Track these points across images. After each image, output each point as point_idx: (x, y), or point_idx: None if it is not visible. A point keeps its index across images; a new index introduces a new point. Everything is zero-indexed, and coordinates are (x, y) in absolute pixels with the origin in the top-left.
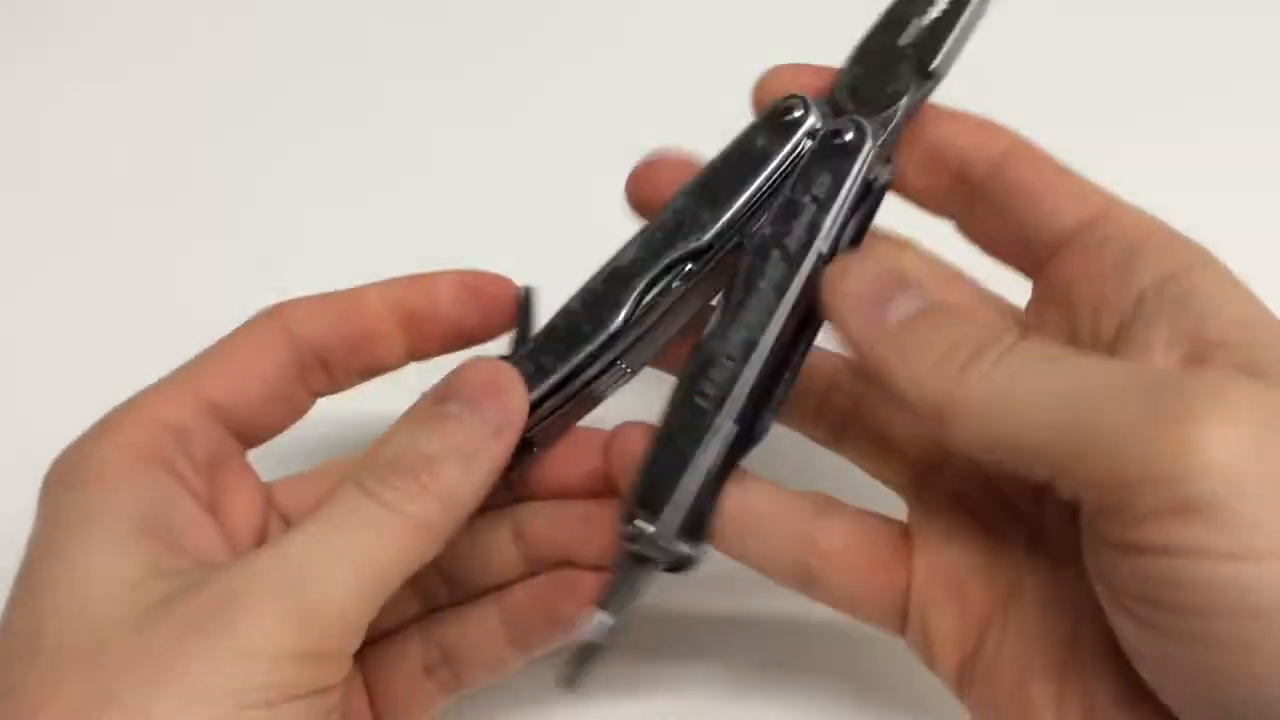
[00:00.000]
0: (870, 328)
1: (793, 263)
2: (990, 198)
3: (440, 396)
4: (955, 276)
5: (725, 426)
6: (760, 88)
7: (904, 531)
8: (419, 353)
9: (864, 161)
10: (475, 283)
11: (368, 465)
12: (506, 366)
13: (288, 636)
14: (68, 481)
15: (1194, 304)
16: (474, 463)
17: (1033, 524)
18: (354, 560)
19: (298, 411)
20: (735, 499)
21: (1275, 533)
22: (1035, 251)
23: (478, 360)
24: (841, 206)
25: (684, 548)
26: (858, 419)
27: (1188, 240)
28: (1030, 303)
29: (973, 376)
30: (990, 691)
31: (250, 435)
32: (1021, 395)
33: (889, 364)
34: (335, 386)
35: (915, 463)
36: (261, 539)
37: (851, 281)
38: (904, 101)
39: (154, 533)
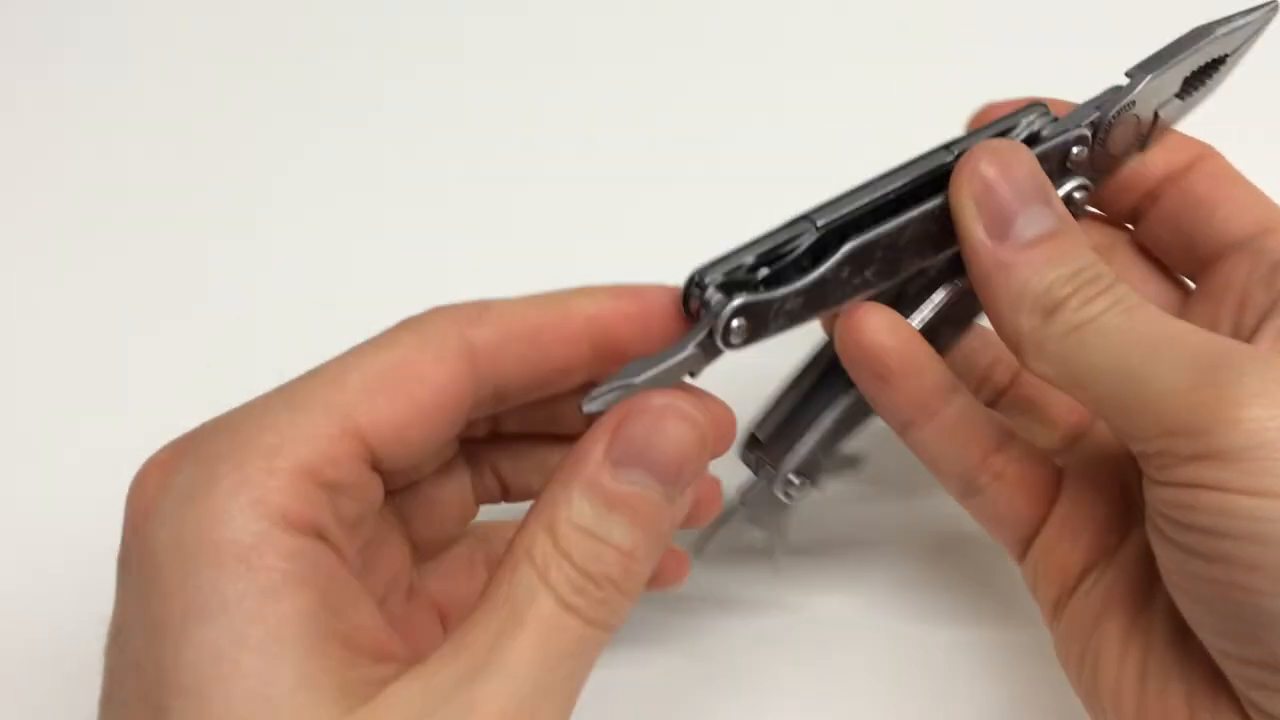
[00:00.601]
0: (995, 232)
1: (943, 147)
2: (1168, 206)
3: (620, 458)
4: (1152, 276)
5: (806, 231)
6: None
7: (1058, 476)
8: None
9: (1046, 116)
10: (661, 304)
11: (559, 565)
12: (692, 412)
13: None
14: (206, 558)
15: None
16: (664, 543)
17: None
18: (566, 691)
19: (447, 454)
20: (952, 410)
21: None
22: (1201, 256)
23: (658, 406)
24: (1007, 132)
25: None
26: (1015, 389)
27: None
28: (1186, 298)
29: (1060, 317)
30: (1073, 623)
31: (398, 476)
32: (1092, 346)
33: (995, 281)
34: (498, 411)
35: (1065, 428)
36: (407, 599)
37: (998, 167)
38: (1096, 100)
39: (334, 637)
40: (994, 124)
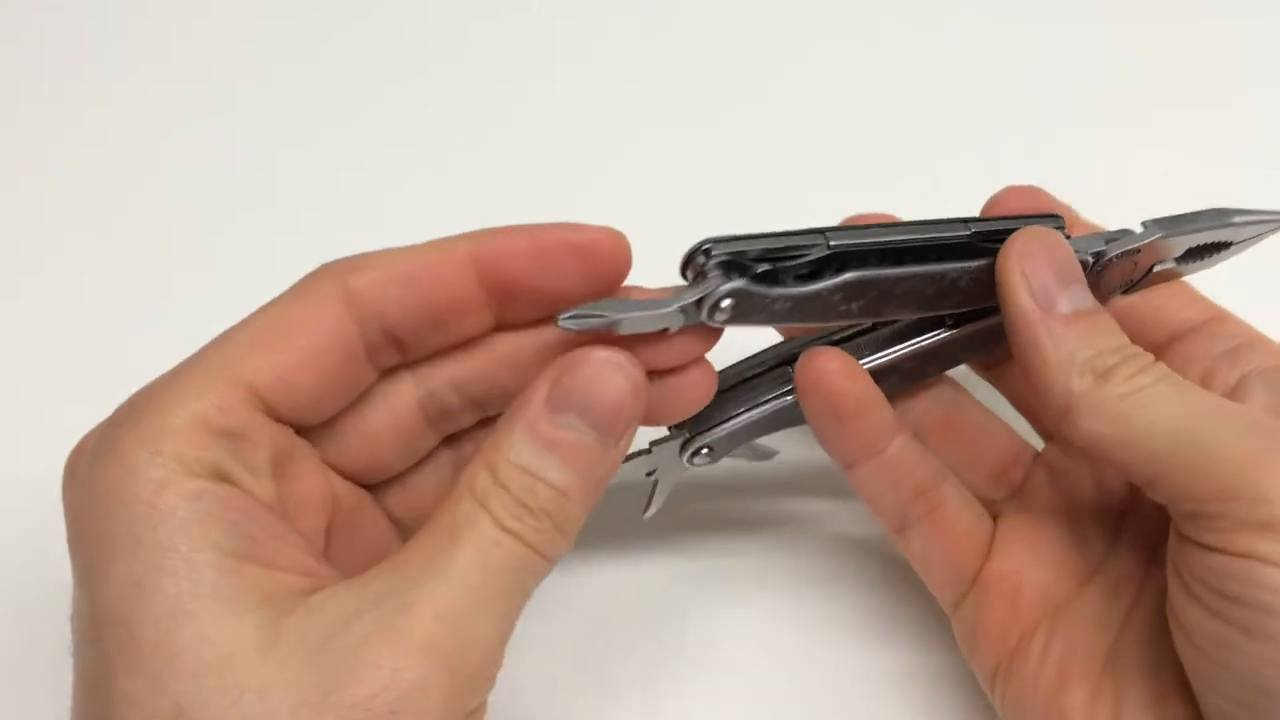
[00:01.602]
0: (1040, 302)
1: (959, 220)
2: (1112, 307)
3: (559, 404)
4: None
5: (817, 245)
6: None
7: (991, 528)
8: (510, 324)
9: (1060, 230)
10: (586, 243)
11: (498, 495)
12: (629, 368)
13: (450, 702)
14: (115, 506)
15: None
16: (599, 487)
17: (1099, 553)
18: (503, 608)
19: (359, 389)
20: (893, 448)
21: None
22: (1151, 342)
23: (598, 359)
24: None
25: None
26: (949, 429)
27: None
28: None
29: (1113, 381)
30: (1026, 691)
31: (302, 422)
32: (1149, 409)
33: (1043, 344)
34: (408, 360)
35: (1001, 479)
36: (329, 533)
37: (1044, 247)
38: (1107, 235)
39: (252, 560)
40: (1015, 218)
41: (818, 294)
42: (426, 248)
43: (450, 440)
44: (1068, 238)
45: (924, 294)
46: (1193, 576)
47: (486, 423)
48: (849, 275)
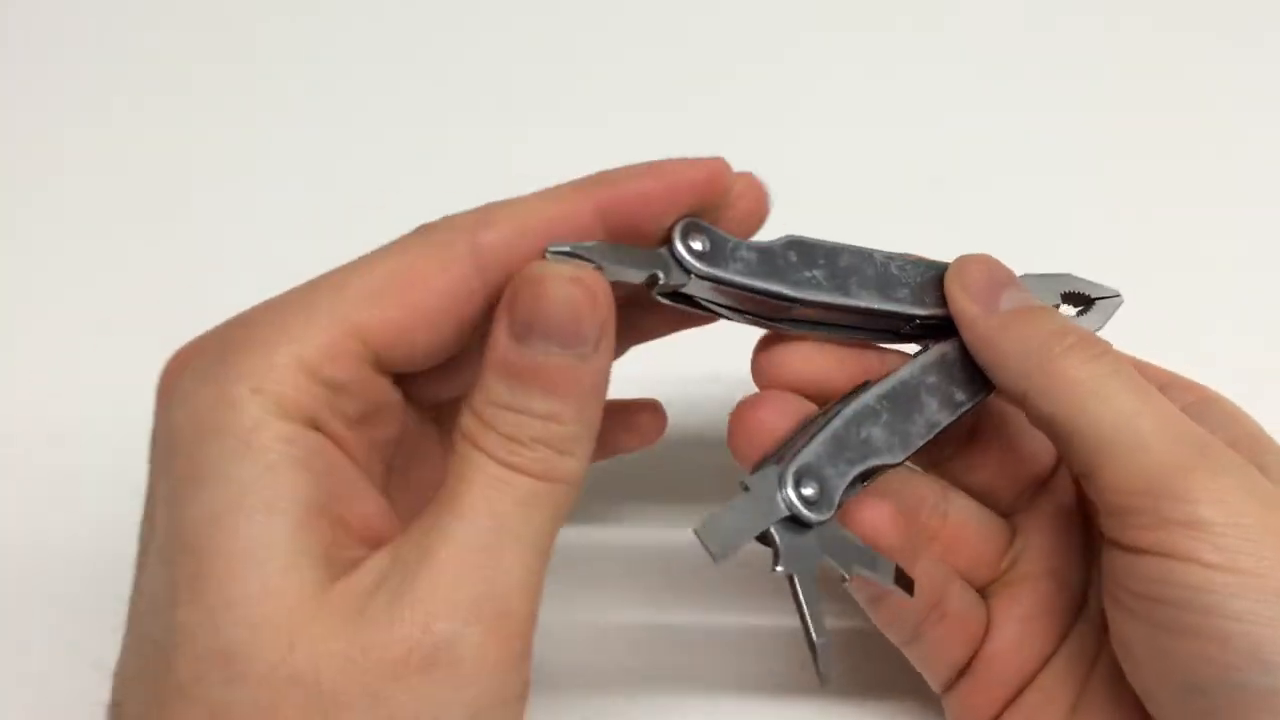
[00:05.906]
0: (983, 304)
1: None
2: None
3: (519, 332)
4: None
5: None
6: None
7: (986, 619)
8: None
9: None
10: (707, 179)
11: (488, 435)
12: (574, 272)
13: (488, 646)
14: (211, 436)
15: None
16: (591, 400)
17: (1079, 601)
18: (526, 541)
19: (456, 349)
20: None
21: (1256, 558)
22: None
23: (541, 276)
24: None
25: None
26: (946, 527)
27: (1246, 417)
28: None
29: (1069, 364)
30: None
31: (408, 371)
32: (1102, 399)
33: (994, 338)
34: None
35: (994, 567)
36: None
37: (973, 270)
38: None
39: (325, 515)
40: None
41: (771, 249)
42: (554, 198)
43: None
44: None
45: (868, 274)
46: (1117, 584)
47: None
48: (792, 235)
